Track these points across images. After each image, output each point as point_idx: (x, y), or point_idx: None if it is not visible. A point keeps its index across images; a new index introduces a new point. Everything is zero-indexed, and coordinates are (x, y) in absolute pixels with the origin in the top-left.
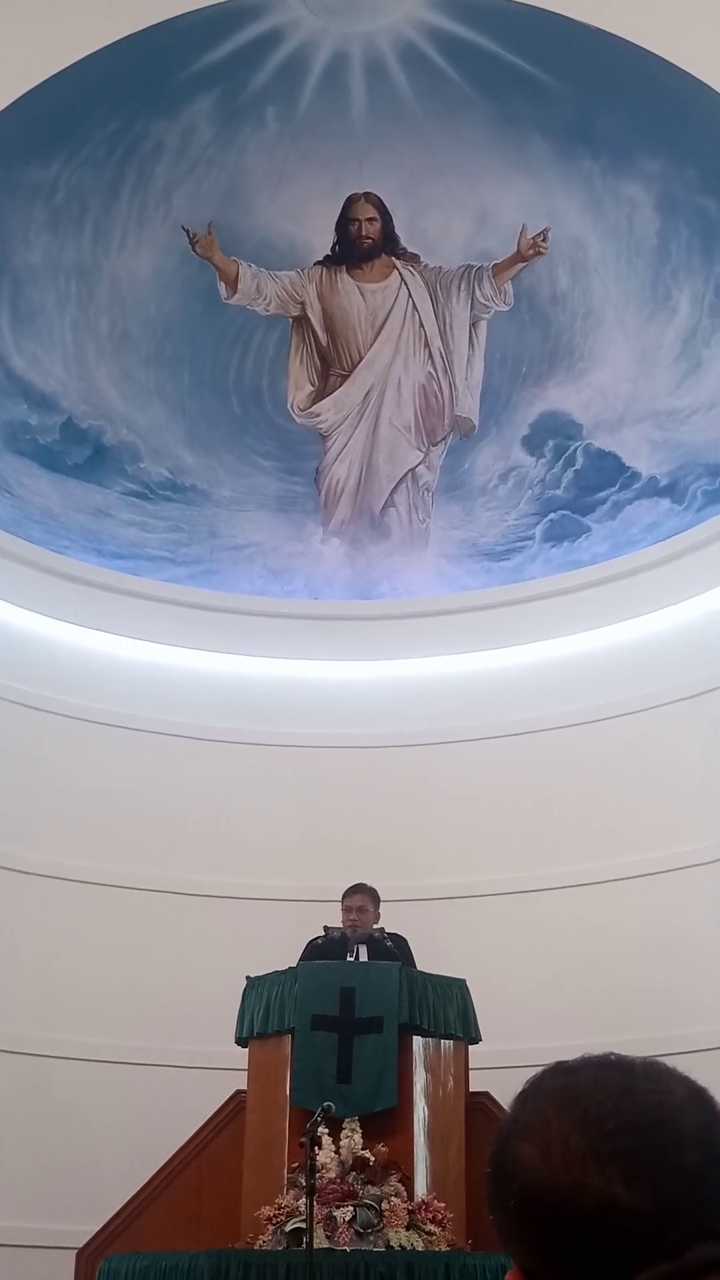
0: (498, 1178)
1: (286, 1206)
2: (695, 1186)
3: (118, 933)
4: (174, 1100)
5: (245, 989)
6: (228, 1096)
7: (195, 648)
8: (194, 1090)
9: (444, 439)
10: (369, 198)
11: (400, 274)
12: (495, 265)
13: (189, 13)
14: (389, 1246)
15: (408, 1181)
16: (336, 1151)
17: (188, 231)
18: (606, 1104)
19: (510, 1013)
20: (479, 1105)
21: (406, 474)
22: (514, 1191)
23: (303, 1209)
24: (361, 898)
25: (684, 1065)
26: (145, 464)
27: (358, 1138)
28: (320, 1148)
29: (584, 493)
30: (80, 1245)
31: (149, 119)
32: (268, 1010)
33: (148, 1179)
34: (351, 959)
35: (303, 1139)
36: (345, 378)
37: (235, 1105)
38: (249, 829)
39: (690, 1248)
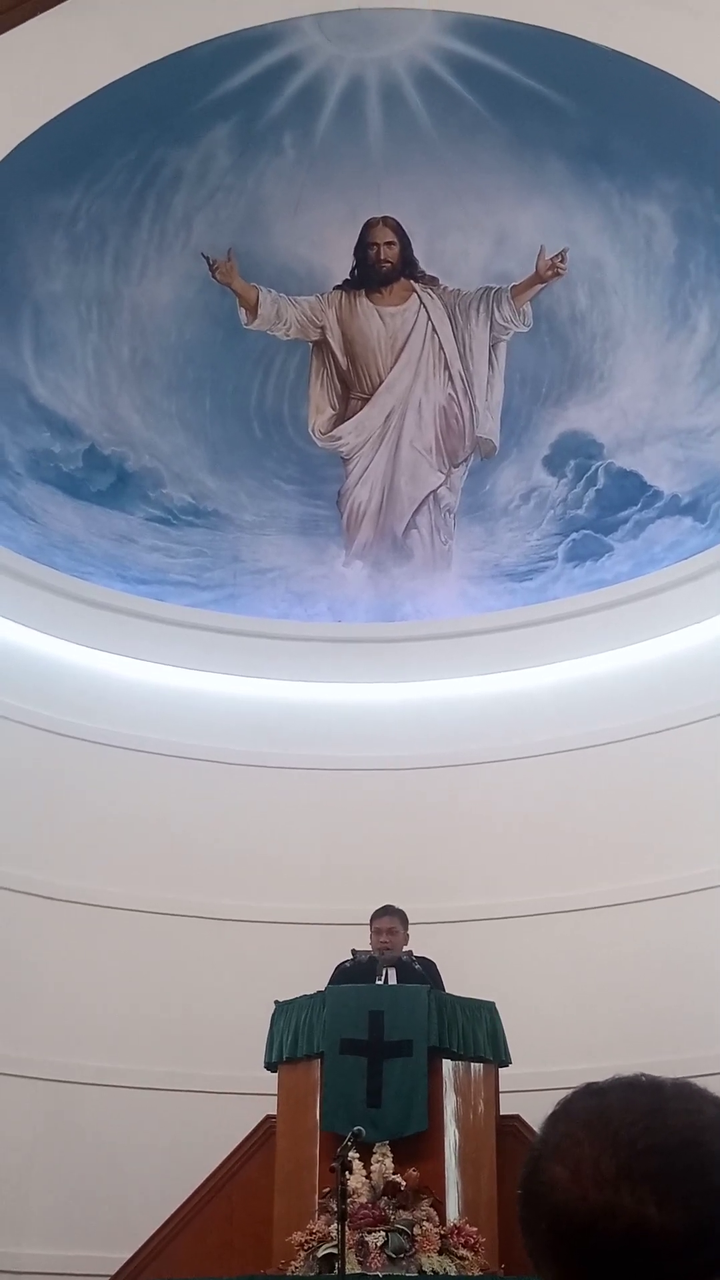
0: (529, 1199)
1: (318, 1232)
2: None
3: (144, 958)
4: (203, 1126)
5: (274, 1013)
6: (258, 1122)
7: (219, 672)
8: (223, 1116)
9: (465, 460)
10: (387, 222)
11: (419, 297)
12: (514, 287)
13: (206, 41)
14: (421, 1272)
15: (439, 1206)
16: (367, 1176)
17: (207, 258)
18: (637, 1125)
19: (540, 1035)
20: (510, 1129)
21: (428, 496)
22: (545, 1213)
23: (334, 1234)
24: (391, 919)
25: (715, 1086)
26: (168, 489)
27: (388, 1162)
28: (351, 1172)
29: (606, 512)
30: (112, 1273)
31: (168, 147)
32: (296, 1035)
33: (178, 1206)
34: (380, 982)
35: (333, 1164)
36: (366, 401)
37: (265, 1131)
38: (275, 853)
39: None
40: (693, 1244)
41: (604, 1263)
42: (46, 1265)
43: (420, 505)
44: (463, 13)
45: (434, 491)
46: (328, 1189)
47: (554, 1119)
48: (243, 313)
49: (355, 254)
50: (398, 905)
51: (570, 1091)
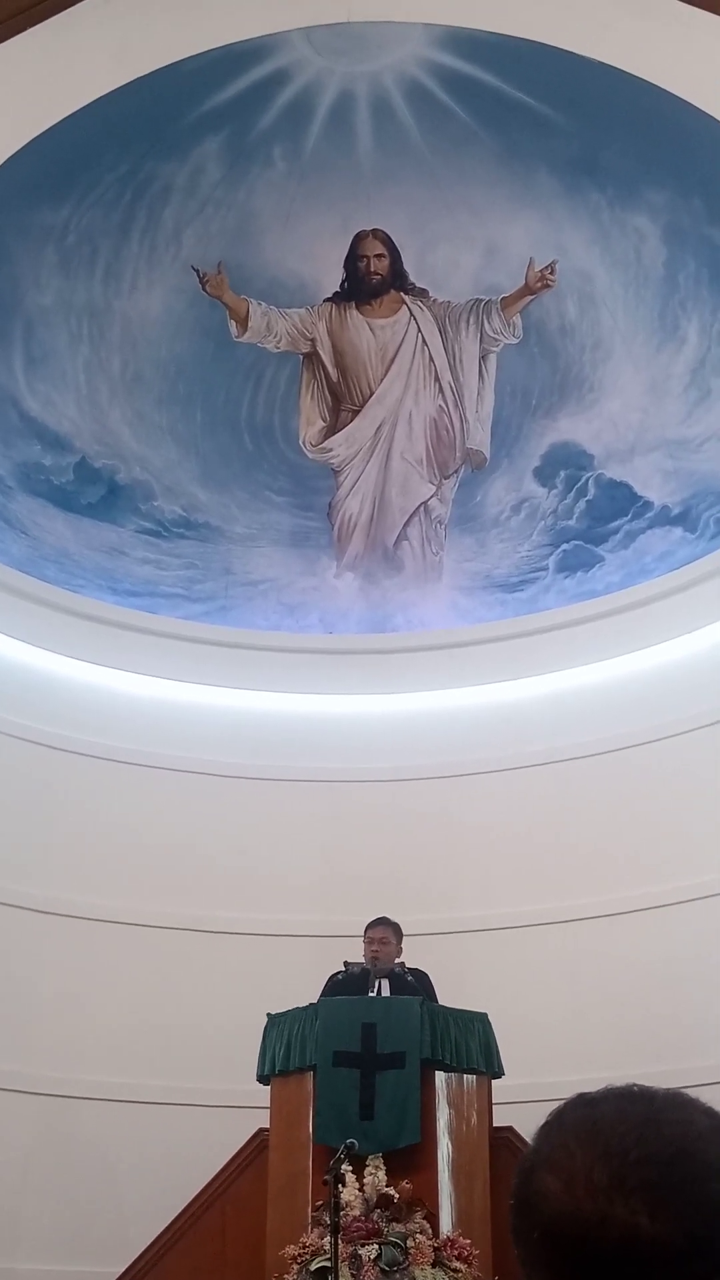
0: (521, 1210)
1: (311, 1245)
2: None
3: (138, 971)
4: (196, 1139)
5: (266, 1026)
6: (250, 1135)
7: (211, 684)
8: (216, 1128)
9: (456, 472)
10: (377, 234)
11: (409, 309)
12: (504, 299)
13: (196, 55)
14: None
15: (433, 1218)
16: (360, 1189)
17: (198, 271)
18: (629, 1135)
19: (533, 1046)
20: (503, 1140)
21: (419, 507)
22: (538, 1224)
23: (327, 1247)
24: (384, 930)
25: (708, 1096)
26: (159, 502)
27: (381, 1175)
28: (344, 1185)
29: (596, 523)
30: None
31: (158, 161)
32: (289, 1047)
33: (172, 1219)
34: (373, 994)
35: (326, 1177)
36: (356, 413)
37: (258, 1144)
38: (268, 865)
39: (716, 1278)
40: (685, 1254)
41: (597, 1273)
42: (41, 1279)
43: (411, 517)
44: (452, 26)
45: (425, 503)
46: (321, 1202)
47: (546, 1129)
48: (233, 325)
49: (345, 266)
50: (392, 918)
51: (563, 1102)
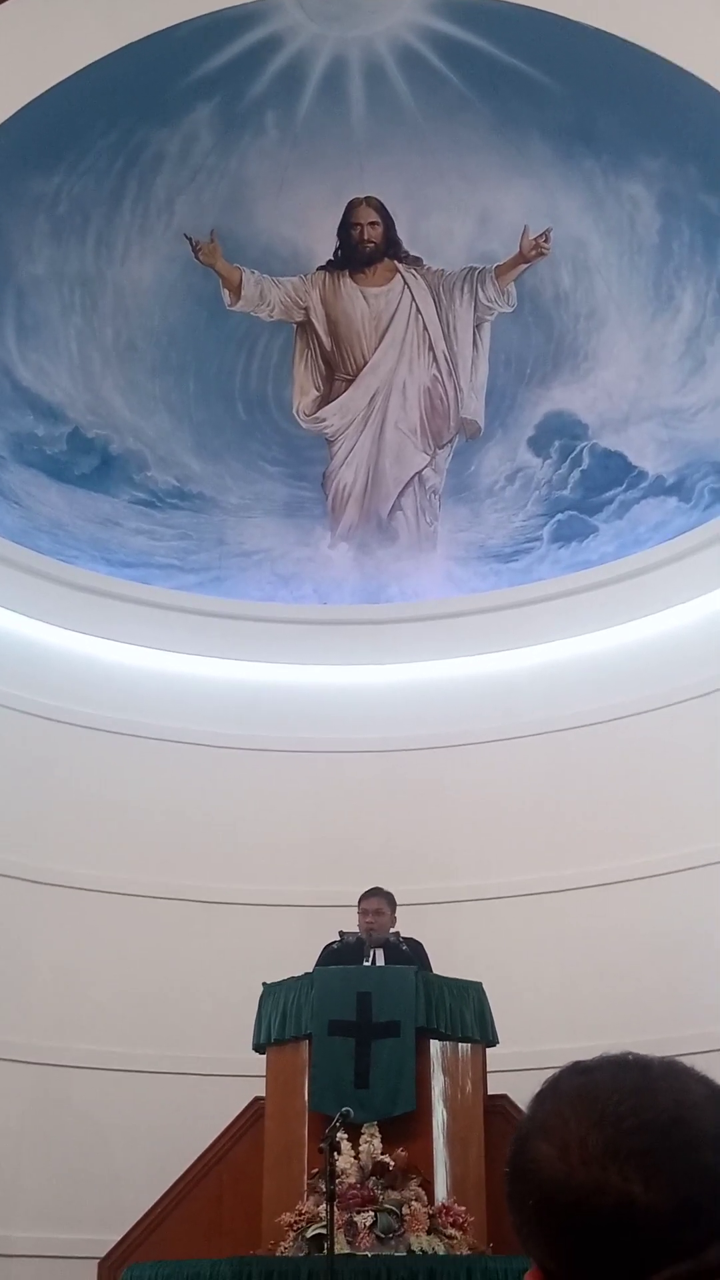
0: (516, 1177)
1: (307, 1213)
2: (714, 1184)
3: (132, 941)
4: (192, 1108)
5: (262, 995)
6: (246, 1103)
7: (205, 655)
8: (212, 1098)
9: (450, 441)
10: (370, 202)
11: (403, 277)
12: (498, 267)
13: (187, 21)
14: (410, 1251)
15: (428, 1186)
16: (356, 1157)
17: (190, 239)
18: (624, 1103)
19: (527, 1015)
20: (498, 1108)
21: (413, 477)
22: (532, 1191)
23: (323, 1215)
24: (378, 900)
25: (702, 1065)
26: (152, 472)
27: (377, 1143)
28: (340, 1153)
29: (591, 493)
30: (102, 1255)
31: (149, 128)
32: (285, 1016)
33: (168, 1187)
34: (368, 964)
35: (322, 1145)
36: (350, 382)
37: (254, 1112)
38: (263, 835)
39: (709, 1246)
40: (679, 1221)
41: (590, 1240)
42: (36, 1248)
43: (405, 487)
44: None
45: (419, 473)
46: (316, 1170)
47: (541, 1097)
48: (226, 294)
49: (339, 234)
50: (386, 887)
51: (558, 1070)
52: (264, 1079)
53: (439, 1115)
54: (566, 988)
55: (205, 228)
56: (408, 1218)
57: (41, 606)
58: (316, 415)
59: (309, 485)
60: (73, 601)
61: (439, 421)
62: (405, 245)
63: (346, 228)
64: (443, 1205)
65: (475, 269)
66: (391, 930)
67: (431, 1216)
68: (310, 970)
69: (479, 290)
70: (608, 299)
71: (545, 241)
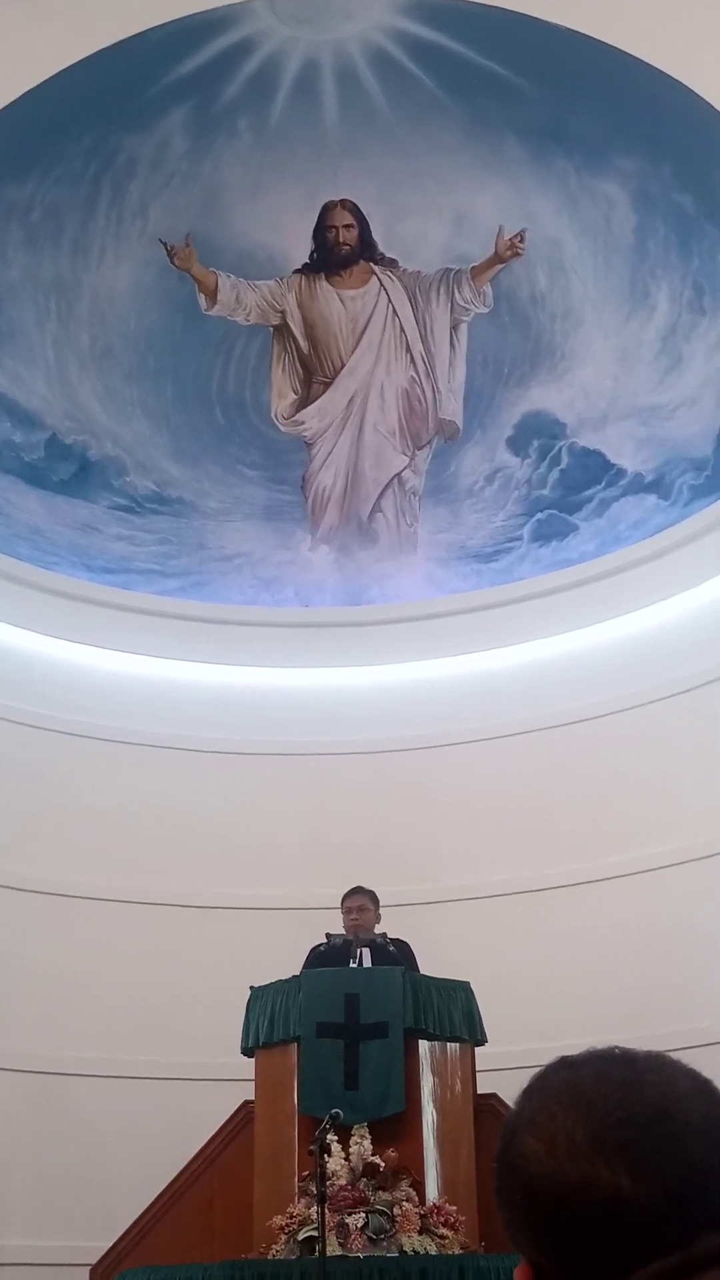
0: (504, 1172)
1: (298, 1215)
2: (701, 1177)
3: (121, 947)
4: (182, 1112)
5: (250, 999)
6: (236, 1107)
7: (187, 659)
8: (202, 1102)
9: (429, 443)
10: (345, 204)
11: (379, 279)
12: (474, 268)
13: (158, 26)
14: (402, 1251)
15: (419, 1186)
16: (346, 1158)
17: (165, 244)
18: (611, 1097)
19: (515, 1014)
20: (487, 1107)
21: (393, 479)
22: (520, 1186)
23: (315, 1217)
24: (360, 898)
25: (688, 1060)
26: (131, 478)
27: (367, 1144)
28: (330, 1155)
29: (570, 491)
30: (93, 1262)
31: (122, 133)
32: (273, 1019)
33: (159, 1193)
34: (354, 964)
35: (312, 1147)
36: (328, 385)
37: (244, 1116)
38: (248, 839)
39: (697, 1238)
40: (666, 1214)
41: (579, 1233)
42: (27, 1256)
43: (385, 488)
44: None
45: (398, 474)
46: (307, 1172)
47: (528, 1093)
48: (202, 298)
49: (314, 237)
50: (371, 887)
51: (545, 1066)
52: (253, 1082)
53: (429, 1115)
54: (554, 986)
55: (180, 232)
56: (399, 1218)
57: (22, 614)
58: (295, 418)
59: (288, 488)
60: (53, 608)
61: (417, 423)
62: (381, 247)
63: (322, 230)
64: (434, 1205)
65: (451, 270)
66: (378, 930)
67: (423, 1216)
68: (297, 973)
69: (455, 291)
70: (584, 298)
71: (520, 242)
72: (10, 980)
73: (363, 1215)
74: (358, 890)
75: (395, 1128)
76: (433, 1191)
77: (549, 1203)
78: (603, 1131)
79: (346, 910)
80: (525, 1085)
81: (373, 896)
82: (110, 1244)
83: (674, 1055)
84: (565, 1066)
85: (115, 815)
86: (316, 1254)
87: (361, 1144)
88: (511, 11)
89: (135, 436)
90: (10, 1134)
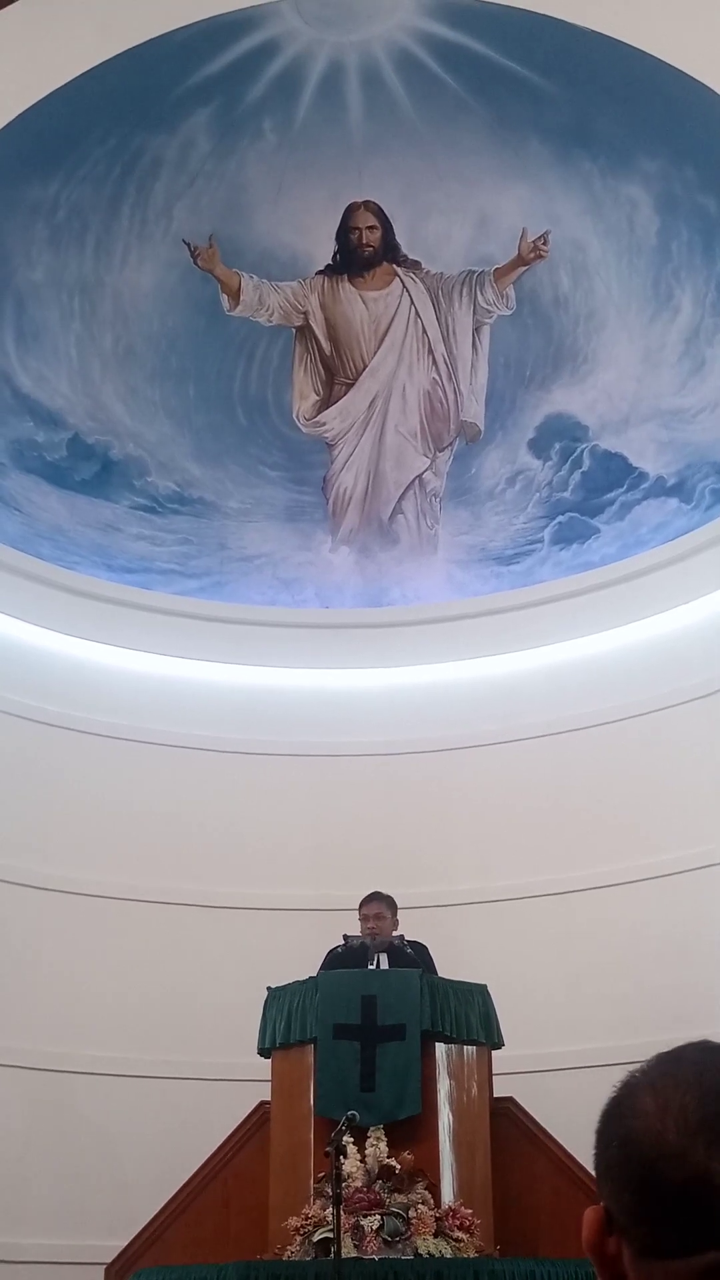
0: (611, 1117)
1: (313, 1217)
2: None
3: (136, 947)
4: (198, 1113)
5: (266, 1000)
6: (252, 1108)
7: (207, 660)
8: (218, 1102)
9: (450, 444)
10: (369, 206)
11: (402, 281)
12: (496, 270)
13: (183, 27)
14: (417, 1254)
15: (434, 1189)
16: (362, 1160)
17: (189, 245)
18: None
19: (532, 1017)
20: (503, 1110)
21: (414, 480)
22: (621, 1134)
23: (330, 1219)
24: (378, 905)
25: None
26: (153, 478)
27: (383, 1146)
28: (345, 1157)
29: (592, 494)
30: (108, 1261)
31: (147, 134)
32: (289, 1020)
33: (174, 1193)
34: (372, 967)
35: (328, 1149)
36: (350, 386)
37: (259, 1117)
38: (266, 840)
39: None
40: None
41: (658, 1199)
42: (42, 1254)
43: (406, 490)
44: None
45: (419, 476)
46: (322, 1174)
47: (662, 1058)
48: (225, 299)
49: (337, 239)
50: (388, 891)
51: (686, 1043)
52: (269, 1083)
53: (445, 1118)
54: (571, 989)
55: (204, 233)
56: (414, 1221)
57: (43, 613)
58: (316, 419)
59: (309, 489)
60: (74, 607)
61: (439, 425)
62: (404, 249)
63: (345, 232)
64: (449, 1208)
65: (474, 272)
66: (395, 933)
67: (438, 1219)
68: (314, 974)
69: (478, 293)
70: (607, 301)
71: (544, 244)
72: (26, 979)
73: (378, 1217)
74: (375, 897)
75: (411, 1130)
76: (448, 1194)
77: (641, 1160)
78: (715, 1117)
79: (364, 917)
80: (661, 1052)
81: (390, 903)
82: (125, 1243)
83: None
84: (704, 1049)
85: (134, 815)
86: (331, 1256)
87: (377, 1146)
88: (536, 13)
89: (157, 437)
90: (26, 1132)
